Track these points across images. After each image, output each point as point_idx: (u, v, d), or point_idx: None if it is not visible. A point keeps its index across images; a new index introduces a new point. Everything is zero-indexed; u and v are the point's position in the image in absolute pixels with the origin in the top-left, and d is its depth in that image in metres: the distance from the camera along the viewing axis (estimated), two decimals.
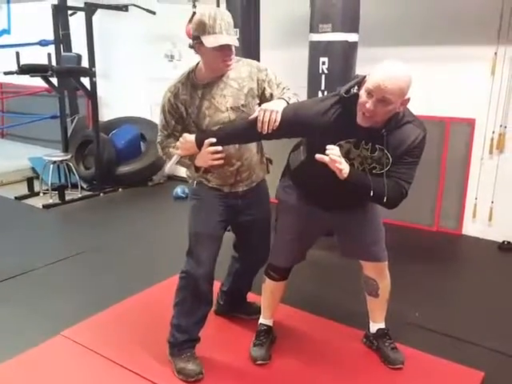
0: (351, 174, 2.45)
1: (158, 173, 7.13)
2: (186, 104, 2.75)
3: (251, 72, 2.76)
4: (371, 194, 2.51)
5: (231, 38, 2.57)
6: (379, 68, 2.37)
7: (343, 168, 2.41)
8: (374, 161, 2.55)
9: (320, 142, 2.48)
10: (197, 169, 2.80)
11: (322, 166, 2.42)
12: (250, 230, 3.08)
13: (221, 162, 2.70)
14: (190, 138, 2.71)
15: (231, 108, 2.72)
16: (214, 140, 2.64)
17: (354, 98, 2.46)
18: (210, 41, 2.53)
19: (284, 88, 2.79)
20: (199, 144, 2.68)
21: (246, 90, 2.74)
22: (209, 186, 2.88)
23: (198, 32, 2.56)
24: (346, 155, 2.54)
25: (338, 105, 2.53)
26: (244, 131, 2.70)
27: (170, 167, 2.90)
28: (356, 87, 2.48)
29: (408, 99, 2.44)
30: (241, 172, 2.86)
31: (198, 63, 2.76)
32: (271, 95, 2.76)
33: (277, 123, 2.54)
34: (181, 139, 2.74)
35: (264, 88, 2.77)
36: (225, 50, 2.58)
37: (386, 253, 2.97)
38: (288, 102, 2.65)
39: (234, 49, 2.64)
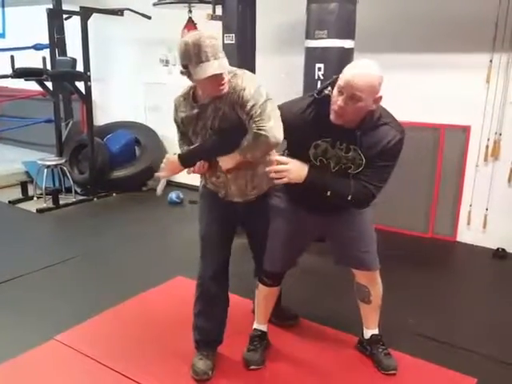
0: (308, 177, 2.52)
1: (152, 178, 7.11)
2: (183, 121, 2.75)
3: (231, 99, 2.56)
4: (328, 193, 2.56)
5: (219, 63, 2.44)
6: (350, 66, 2.44)
7: (290, 177, 2.51)
8: (349, 161, 2.57)
9: (299, 141, 2.57)
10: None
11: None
12: (249, 238, 3.10)
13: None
14: (172, 158, 2.74)
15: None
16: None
17: (326, 98, 2.51)
18: (197, 72, 2.44)
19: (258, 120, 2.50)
20: (185, 163, 2.72)
21: (225, 108, 2.61)
22: (210, 188, 2.89)
23: (185, 61, 2.47)
24: (323, 155, 2.59)
25: (313, 105, 2.58)
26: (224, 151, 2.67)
27: (160, 189, 2.96)
28: (329, 88, 2.52)
29: (380, 97, 2.45)
30: (229, 185, 2.80)
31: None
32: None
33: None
34: (164, 160, 2.76)
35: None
36: (216, 77, 2.47)
37: (377, 261, 2.96)
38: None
39: (225, 72, 2.52)
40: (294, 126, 2.56)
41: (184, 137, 2.85)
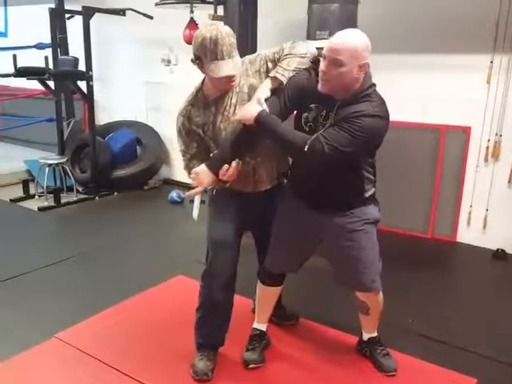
0: (260, 115, 2.50)
1: (153, 177, 7.14)
2: (201, 125, 2.72)
3: (246, 69, 2.68)
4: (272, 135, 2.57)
5: (233, 63, 2.50)
6: (336, 33, 2.48)
7: (242, 112, 2.55)
8: (326, 129, 2.54)
9: (301, 103, 2.62)
10: (224, 182, 2.71)
11: None
12: (257, 237, 3.12)
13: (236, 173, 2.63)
14: (200, 168, 2.64)
15: None
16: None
17: (318, 63, 2.54)
18: (212, 69, 2.49)
19: (280, 58, 2.69)
20: (215, 170, 2.62)
21: (245, 88, 2.67)
22: (230, 188, 2.78)
23: (200, 53, 2.50)
24: (314, 121, 2.60)
25: (309, 70, 2.63)
26: (249, 137, 2.63)
27: (196, 211, 2.83)
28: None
29: (364, 64, 2.45)
30: (257, 169, 2.79)
31: (203, 80, 2.72)
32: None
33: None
34: (192, 176, 2.66)
35: (266, 72, 2.67)
36: (228, 76, 2.53)
37: (377, 283, 2.86)
38: (276, 76, 2.59)
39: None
40: (300, 88, 2.61)
41: (199, 150, 2.77)
